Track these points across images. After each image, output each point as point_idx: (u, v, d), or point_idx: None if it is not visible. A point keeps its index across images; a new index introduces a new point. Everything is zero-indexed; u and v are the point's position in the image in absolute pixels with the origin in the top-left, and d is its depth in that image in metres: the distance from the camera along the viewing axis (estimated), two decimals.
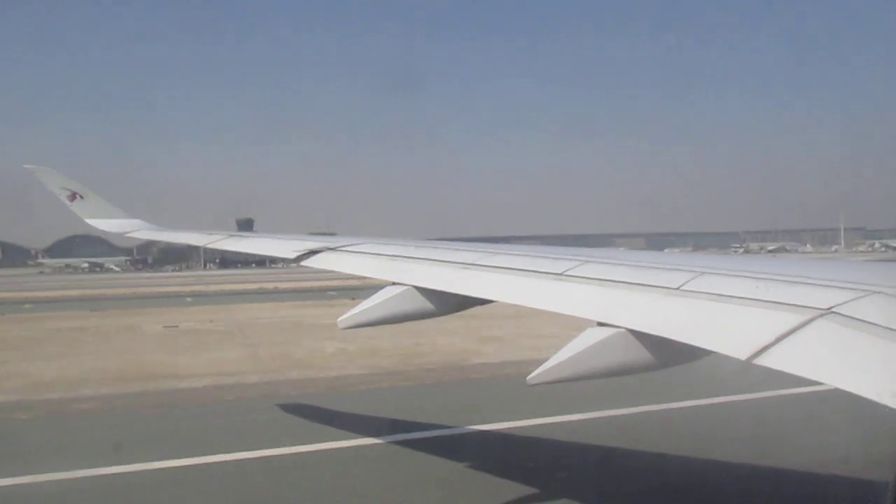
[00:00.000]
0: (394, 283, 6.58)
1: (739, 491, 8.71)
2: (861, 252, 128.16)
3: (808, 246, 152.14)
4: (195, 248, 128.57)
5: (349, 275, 7.69)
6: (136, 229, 10.19)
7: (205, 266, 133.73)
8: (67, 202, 9.72)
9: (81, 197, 9.79)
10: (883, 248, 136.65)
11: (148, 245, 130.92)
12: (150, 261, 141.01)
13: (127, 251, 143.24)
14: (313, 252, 7.96)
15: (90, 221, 9.94)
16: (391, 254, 7.38)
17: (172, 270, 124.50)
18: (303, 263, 7.92)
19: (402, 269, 6.81)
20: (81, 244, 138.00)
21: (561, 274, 5.39)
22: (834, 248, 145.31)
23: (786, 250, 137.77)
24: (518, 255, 6.33)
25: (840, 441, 10.03)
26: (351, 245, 7.92)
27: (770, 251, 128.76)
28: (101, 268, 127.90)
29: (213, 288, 58.47)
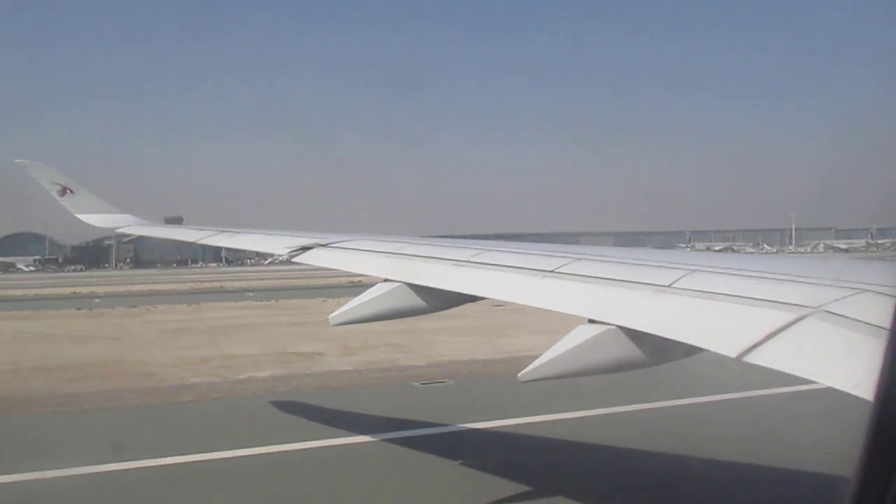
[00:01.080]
0: (385, 280, 6.64)
1: (715, 487, 8.81)
2: (801, 253, 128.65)
3: (763, 246, 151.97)
4: (110, 248, 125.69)
5: (340, 272, 7.71)
6: (126, 224, 10.15)
7: (116, 266, 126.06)
8: (57, 197, 9.67)
9: (72, 192, 9.75)
10: (822, 249, 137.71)
11: (101, 242, 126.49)
12: (60, 260, 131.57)
13: (81, 250, 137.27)
14: (305, 248, 7.97)
15: (80, 216, 9.88)
16: (383, 251, 7.38)
17: (72, 270, 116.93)
18: (295, 260, 7.91)
19: (394, 266, 6.80)
20: (26, 242, 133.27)
21: (552, 271, 5.39)
22: (775, 248, 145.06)
23: (732, 250, 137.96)
24: (510, 252, 6.36)
25: (824, 440, 10.16)
26: (343, 242, 7.92)
27: (717, 251, 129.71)
28: (13, 267, 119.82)
29: (46, 291, 52.75)
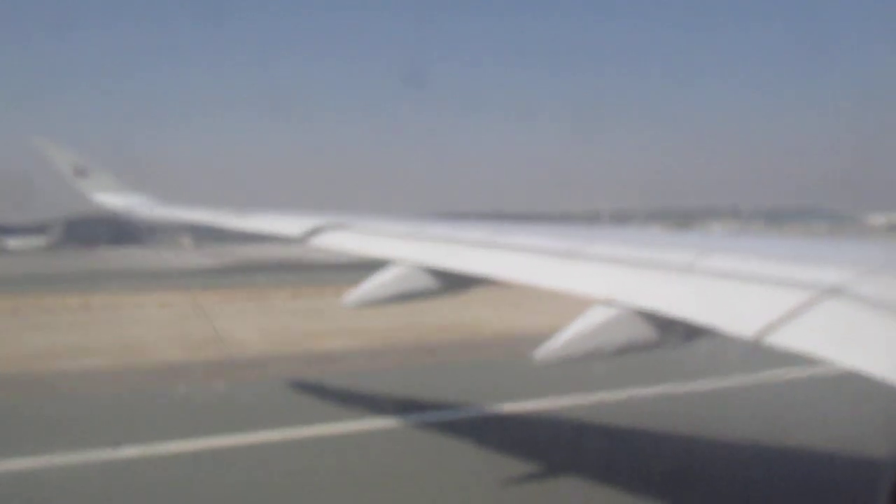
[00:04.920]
0: (399, 262, 6.63)
1: (742, 473, 8.80)
2: None
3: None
4: None
5: (353, 253, 7.69)
6: (141, 205, 10.16)
7: None
8: (73, 177, 9.68)
9: (87, 172, 9.76)
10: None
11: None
12: None
13: None
14: (318, 230, 7.94)
15: (97, 195, 9.89)
16: (396, 231, 7.40)
17: None
18: (309, 241, 7.90)
19: (408, 248, 6.83)
20: None
21: (568, 253, 5.43)
22: None
23: None
24: (525, 233, 6.36)
25: (846, 422, 10.15)
26: (356, 223, 7.90)
27: None
28: None
29: None
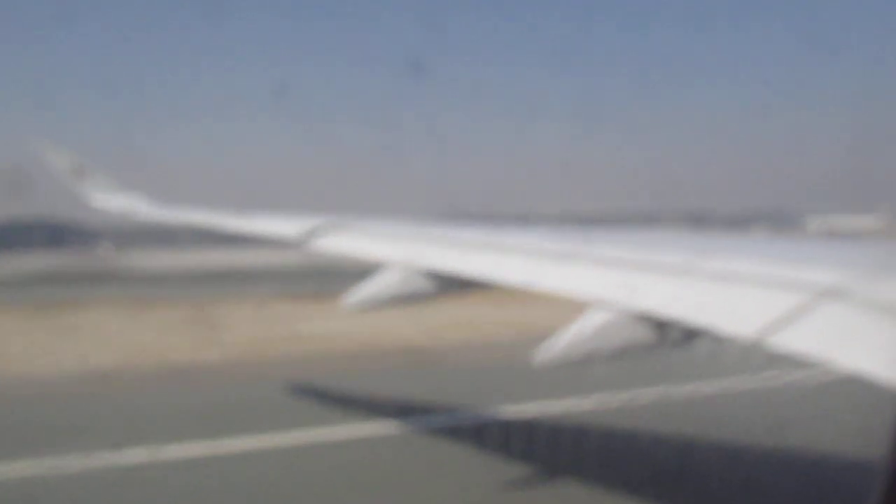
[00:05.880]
0: (398, 264, 6.60)
1: (741, 476, 8.78)
2: None
3: None
4: None
5: (351, 256, 7.65)
6: (139, 207, 10.10)
7: None
8: (73, 179, 9.63)
9: (86, 174, 9.71)
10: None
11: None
12: None
13: None
14: (316, 231, 7.89)
15: (96, 197, 9.83)
16: (395, 233, 7.39)
17: None
18: (307, 244, 7.84)
19: (408, 250, 6.81)
20: None
21: (567, 255, 5.41)
22: None
23: None
24: (525, 235, 6.36)
25: (846, 425, 10.11)
26: (354, 223, 7.87)
27: None
28: None
29: None
